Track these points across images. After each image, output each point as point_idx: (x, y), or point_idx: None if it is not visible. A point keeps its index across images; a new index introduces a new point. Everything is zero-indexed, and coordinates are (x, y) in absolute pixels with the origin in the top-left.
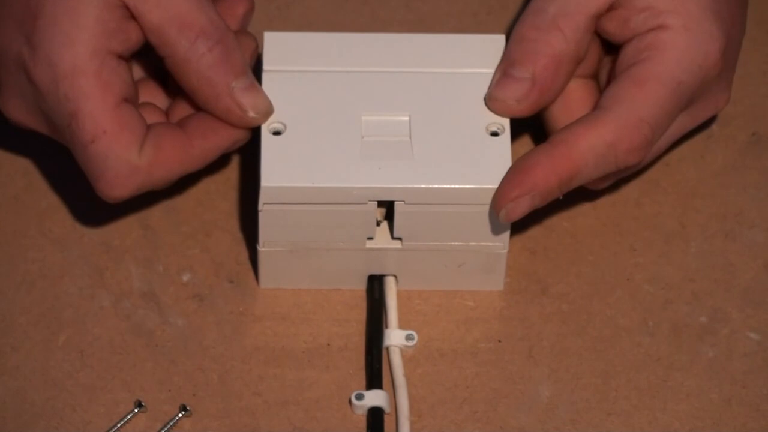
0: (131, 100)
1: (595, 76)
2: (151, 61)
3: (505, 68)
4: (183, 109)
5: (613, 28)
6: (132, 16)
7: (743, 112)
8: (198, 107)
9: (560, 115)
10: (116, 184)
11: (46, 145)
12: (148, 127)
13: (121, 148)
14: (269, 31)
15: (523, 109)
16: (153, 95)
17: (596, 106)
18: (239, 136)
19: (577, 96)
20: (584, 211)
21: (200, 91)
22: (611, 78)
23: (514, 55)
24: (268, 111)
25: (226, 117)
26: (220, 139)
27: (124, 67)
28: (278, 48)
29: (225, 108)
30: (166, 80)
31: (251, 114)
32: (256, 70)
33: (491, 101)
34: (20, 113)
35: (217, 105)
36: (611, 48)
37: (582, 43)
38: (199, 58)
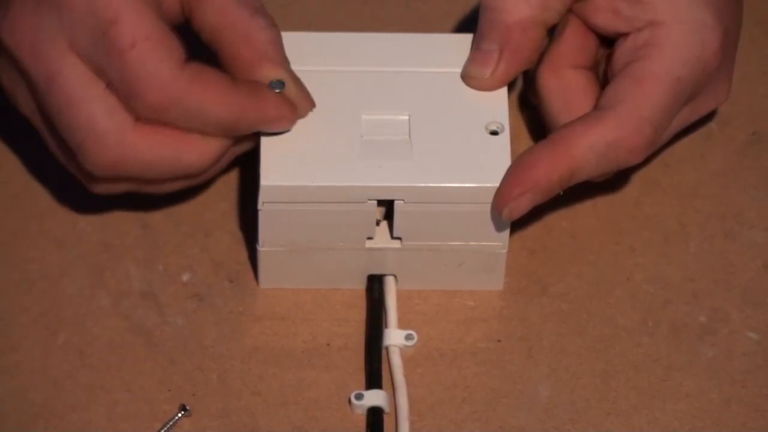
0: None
1: (593, 68)
2: None
3: (475, 43)
4: None
5: (602, 21)
6: None
7: (743, 112)
8: None
9: (559, 105)
10: (154, 89)
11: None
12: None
13: (163, 55)
14: None
15: (496, 82)
16: None
17: (596, 106)
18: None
19: (576, 86)
20: (584, 210)
21: (254, 65)
22: (609, 75)
23: (481, 27)
24: (309, 105)
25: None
26: (262, 103)
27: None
28: None
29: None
30: None
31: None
32: None
33: (466, 79)
34: (22, 35)
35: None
36: (609, 40)
37: (549, 6)
38: (258, 31)
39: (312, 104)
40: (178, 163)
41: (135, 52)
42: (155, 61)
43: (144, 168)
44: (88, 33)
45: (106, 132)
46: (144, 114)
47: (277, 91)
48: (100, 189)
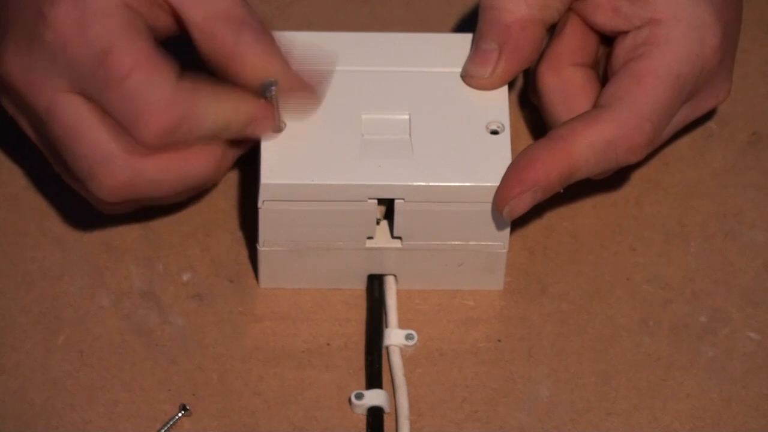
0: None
1: (594, 66)
2: None
3: (475, 42)
4: None
5: (602, 20)
6: (171, 12)
7: (743, 112)
8: None
9: (559, 103)
10: (160, 115)
11: None
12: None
13: (161, 76)
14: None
15: (496, 81)
16: None
17: (596, 104)
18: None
19: (576, 85)
20: (584, 210)
21: (249, 81)
22: (609, 73)
23: (481, 26)
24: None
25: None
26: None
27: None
28: None
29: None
30: None
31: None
32: None
33: (466, 78)
34: (18, 72)
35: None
36: (609, 39)
37: (548, 5)
38: (245, 50)
39: (316, 96)
40: (186, 176)
41: (132, 80)
42: (153, 86)
43: (154, 187)
44: (84, 66)
45: (113, 156)
46: (149, 142)
47: (273, 88)
48: (111, 210)
